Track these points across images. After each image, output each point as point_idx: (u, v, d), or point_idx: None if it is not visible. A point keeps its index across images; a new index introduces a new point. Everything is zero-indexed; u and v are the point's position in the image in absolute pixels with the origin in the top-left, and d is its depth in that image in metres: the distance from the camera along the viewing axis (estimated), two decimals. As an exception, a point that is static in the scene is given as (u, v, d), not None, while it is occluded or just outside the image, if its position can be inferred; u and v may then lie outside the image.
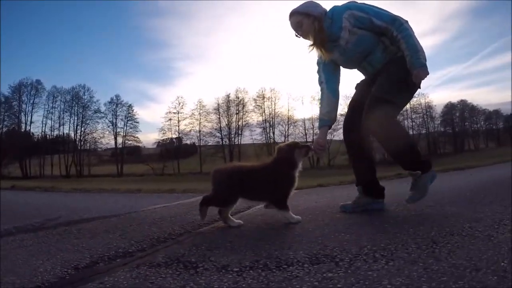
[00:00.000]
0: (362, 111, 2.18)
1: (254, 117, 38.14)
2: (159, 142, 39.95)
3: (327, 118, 2.27)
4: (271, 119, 37.68)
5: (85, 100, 37.72)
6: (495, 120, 48.51)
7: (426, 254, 1.31)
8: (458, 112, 45.46)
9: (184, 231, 2.05)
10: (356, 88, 2.41)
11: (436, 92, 66.00)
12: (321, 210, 2.39)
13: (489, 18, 62.16)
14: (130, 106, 38.58)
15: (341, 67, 2.34)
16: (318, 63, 2.33)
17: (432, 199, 2.37)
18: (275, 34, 67.69)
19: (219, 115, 37.82)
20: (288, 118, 37.74)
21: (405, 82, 2.06)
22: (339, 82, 2.33)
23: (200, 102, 38.44)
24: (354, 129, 2.26)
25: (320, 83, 2.32)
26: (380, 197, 2.29)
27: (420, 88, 2.13)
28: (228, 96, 38.19)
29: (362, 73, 2.36)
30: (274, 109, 37.97)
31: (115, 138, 37.89)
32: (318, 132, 2.32)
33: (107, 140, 38.05)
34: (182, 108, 38.53)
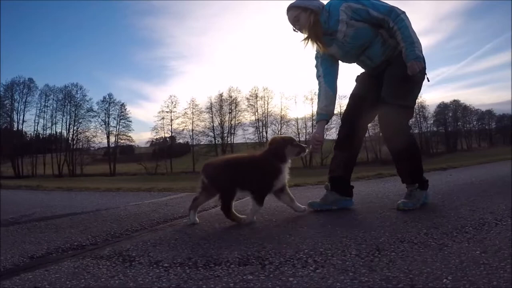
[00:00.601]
0: (363, 106, 2.23)
1: (247, 116, 38.56)
2: (152, 141, 40.02)
3: (324, 112, 2.24)
4: (264, 118, 38.11)
5: (78, 99, 37.93)
6: (488, 120, 49.21)
7: (362, 263, 1.25)
8: (451, 112, 45.99)
9: (140, 228, 2.16)
10: (356, 80, 2.39)
11: (429, 92, 66.60)
12: (281, 210, 2.33)
13: (483, 19, 62.92)
14: (123, 105, 38.81)
15: (339, 62, 2.32)
16: (316, 57, 2.32)
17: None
18: (269, 34, 68.12)
19: (211, 114, 38.04)
20: (281, 117, 38.23)
21: (412, 80, 2.04)
22: (337, 76, 2.30)
23: (193, 101, 38.77)
24: (350, 126, 2.26)
25: (318, 77, 2.29)
26: (348, 195, 2.29)
27: (428, 80, 2.13)
28: (221, 95, 38.50)
29: (361, 66, 2.34)
30: (267, 108, 38.44)
31: (108, 137, 38.05)
32: (316, 126, 2.31)
33: (100, 139, 38.14)
34: (175, 107, 38.78)
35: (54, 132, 38.16)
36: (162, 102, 52.55)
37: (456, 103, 45.77)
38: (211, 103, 38.38)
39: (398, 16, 1.99)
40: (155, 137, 39.72)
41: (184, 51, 70.21)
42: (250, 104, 38.67)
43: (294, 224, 1.97)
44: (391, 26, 2.00)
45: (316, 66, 2.32)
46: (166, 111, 38.70)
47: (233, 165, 2.04)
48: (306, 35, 2.16)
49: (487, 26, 65.30)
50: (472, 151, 40.34)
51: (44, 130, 37.92)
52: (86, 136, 37.98)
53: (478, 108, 47.71)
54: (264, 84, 49.99)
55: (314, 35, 2.14)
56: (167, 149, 38.67)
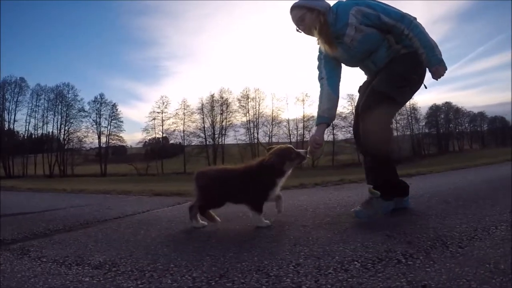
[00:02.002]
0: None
1: (238, 117, 38.67)
2: (145, 141, 40.04)
3: (326, 115, 2.18)
4: (255, 120, 38.22)
5: (69, 99, 37.80)
6: (480, 122, 49.71)
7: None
8: (443, 114, 46.40)
9: (62, 228, 2.34)
10: (359, 91, 2.36)
11: (421, 94, 67.18)
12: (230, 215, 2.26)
13: (475, 22, 63.56)
14: (114, 105, 38.73)
15: (342, 64, 2.28)
16: (319, 59, 2.26)
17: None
18: (261, 34, 68.46)
19: (203, 115, 38.23)
20: (272, 118, 38.33)
21: (406, 80, 2.02)
22: (340, 79, 2.24)
23: (184, 101, 38.85)
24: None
25: (321, 79, 2.23)
26: (405, 195, 2.20)
27: (426, 87, 2.10)
28: (212, 96, 38.64)
29: (364, 71, 2.31)
30: (258, 110, 38.57)
31: (99, 138, 37.95)
32: (315, 129, 2.22)
33: (91, 140, 38.10)
34: (166, 107, 38.85)
35: (46, 132, 38.10)
36: (154, 103, 52.48)
37: (448, 105, 46.25)
38: (202, 104, 38.62)
39: (411, 23, 1.95)
40: (147, 138, 39.75)
41: (177, 51, 70.44)
42: (241, 105, 38.95)
43: (228, 234, 2.05)
44: (406, 33, 1.96)
45: (319, 68, 2.26)
46: (157, 112, 38.86)
47: (225, 177, 2.03)
48: (317, 37, 2.12)
49: (479, 29, 66.04)
50: (463, 153, 40.68)
51: (35, 130, 37.85)
52: (77, 136, 37.96)
53: (470, 110, 48.21)
54: (256, 85, 50.06)
55: (325, 36, 2.08)
56: (159, 150, 38.68)
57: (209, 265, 1.37)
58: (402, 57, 2.05)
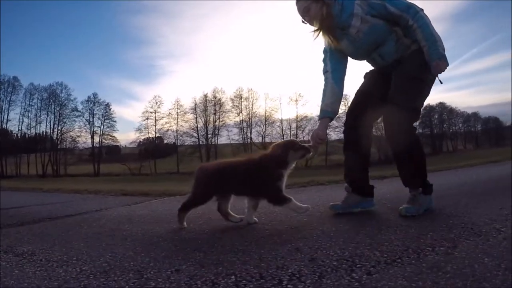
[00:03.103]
0: (369, 103, 2.12)
1: (231, 117, 38.75)
2: (139, 141, 40.09)
3: (330, 109, 2.11)
4: (248, 119, 38.33)
5: (62, 98, 37.72)
6: (474, 122, 50.15)
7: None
8: (437, 114, 46.74)
9: (14, 223, 2.51)
10: (364, 77, 2.29)
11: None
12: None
13: (470, 23, 64.03)
14: (107, 105, 38.70)
15: (348, 58, 2.22)
16: (324, 52, 2.20)
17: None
18: (257, 35, 68.70)
19: (196, 114, 38.30)
20: (265, 118, 38.44)
21: (423, 82, 1.97)
22: (345, 73, 2.18)
23: (177, 101, 38.87)
24: (356, 124, 2.15)
25: (325, 72, 2.18)
26: (369, 196, 2.20)
27: (441, 83, 2.03)
28: (205, 96, 38.68)
29: (371, 64, 2.24)
30: (251, 109, 38.67)
31: (92, 137, 37.90)
32: (318, 123, 2.16)
33: (84, 139, 38.08)
34: (159, 107, 38.88)
35: (39, 132, 38.06)
36: (147, 102, 52.41)
37: (442, 105, 46.56)
38: (195, 104, 38.66)
39: (417, 14, 1.89)
40: (142, 137, 39.77)
41: (173, 50, 70.54)
42: (234, 105, 39.02)
43: (193, 236, 2.11)
44: (410, 24, 1.90)
45: (324, 61, 2.21)
46: (151, 112, 38.87)
47: (223, 170, 1.98)
48: (317, 27, 2.06)
49: (474, 30, 66.63)
50: (457, 153, 41.02)
51: (28, 129, 37.80)
52: (70, 136, 37.93)
53: (464, 110, 48.56)
54: (249, 85, 50.13)
55: (326, 28, 2.04)
56: (152, 149, 38.74)
57: (93, 259, 1.52)
58: (412, 56, 1.98)
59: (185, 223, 2.04)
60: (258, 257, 1.41)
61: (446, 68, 1.87)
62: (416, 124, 2.11)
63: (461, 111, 48.02)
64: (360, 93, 2.23)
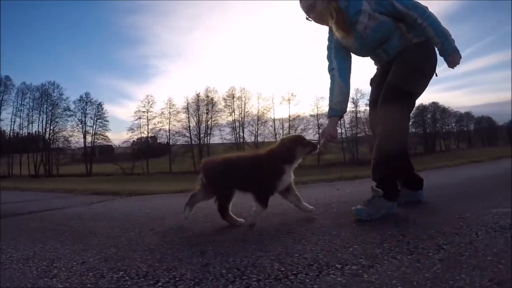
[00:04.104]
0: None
1: (223, 117, 38.62)
2: (133, 141, 39.98)
3: (338, 108, 2.11)
4: (241, 119, 38.27)
5: (55, 98, 37.43)
6: (466, 122, 50.48)
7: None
8: (430, 114, 47.02)
9: None
10: (371, 84, 2.32)
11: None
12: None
13: (464, 24, 64.56)
14: (99, 104, 38.48)
15: (352, 55, 2.21)
16: (329, 48, 2.19)
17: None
18: (248, 35, 68.79)
19: (188, 114, 38.23)
20: (258, 117, 38.44)
21: (421, 71, 2.00)
22: (351, 70, 2.17)
23: (170, 100, 38.77)
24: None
25: (331, 69, 2.15)
26: (418, 189, 2.24)
27: (437, 75, 2.07)
28: (198, 95, 38.55)
29: (375, 60, 2.27)
30: (244, 109, 38.61)
31: (84, 137, 37.71)
32: (327, 122, 2.13)
33: (77, 139, 37.87)
34: (151, 106, 38.74)
35: (31, 132, 37.83)
36: (139, 102, 52.21)
37: (435, 105, 46.79)
38: (187, 103, 38.49)
39: (425, 12, 1.93)
40: (135, 137, 39.62)
41: (167, 50, 70.26)
42: (227, 105, 38.84)
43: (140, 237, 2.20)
44: (419, 22, 1.93)
45: (329, 58, 2.19)
46: (143, 111, 38.70)
47: (233, 164, 1.95)
48: (334, 24, 2.05)
49: (467, 31, 67.08)
50: (450, 152, 41.31)
51: (20, 129, 37.55)
52: (63, 136, 37.70)
53: (457, 110, 48.77)
54: (242, 85, 50.09)
55: (341, 24, 2.02)
56: (145, 149, 38.68)
57: (18, 249, 1.68)
58: (414, 47, 2.01)
59: (241, 219, 1.95)
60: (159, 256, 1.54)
61: (460, 60, 1.95)
62: (411, 115, 2.12)
63: (454, 110, 48.27)
64: (373, 103, 2.24)
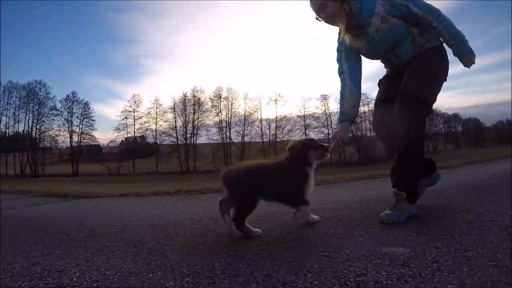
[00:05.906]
0: (389, 108, 2.06)
1: (210, 117, 38.62)
2: (122, 140, 39.82)
3: (350, 112, 2.09)
4: (227, 119, 38.25)
5: (41, 97, 37.22)
6: (454, 123, 51.07)
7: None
8: (418, 115, 47.38)
9: None
10: (379, 85, 2.30)
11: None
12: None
13: (457, 25, 65.21)
14: (86, 104, 38.36)
15: (362, 58, 2.18)
16: (339, 51, 2.15)
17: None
18: (237, 35, 68.86)
19: (175, 114, 38.23)
20: (244, 118, 38.48)
21: (436, 78, 1.99)
22: (361, 74, 2.14)
23: (156, 100, 38.80)
24: (388, 134, 2.13)
25: (341, 73, 2.12)
26: (434, 170, 2.27)
27: (446, 81, 2.05)
28: (184, 95, 38.59)
29: (385, 64, 2.24)
30: (231, 109, 38.63)
31: (71, 137, 37.53)
32: (339, 126, 2.13)
33: (63, 138, 37.68)
34: (138, 106, 38.71)
35: (18, 131, 37.43)
36: (126, 101, 51.86)
37: (423, 106, 47.15)
38: (174, 103, 38.48)
39: (439, 15, 1.92)
40: (122, 137, 39.43)
41: (156, 49, 69.69)
42: (214, 105, 38.84)
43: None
44: (435, 25, 1.93)
45: (339, 61, 2.15)
46: (129, 111, 38.62)
47: (256, 173, 1.87)
48: (343, 26, 2.02)
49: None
50: (437, 153, 41.81)
51: (6, 128, 37.17)
52: (49, 135, 37.46)
53: (445, 111, 49.19)
54: (229, 85, 50.10)
55: (351, 26, 1.99)
56: (133, 149, 38.56)
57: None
58: (427, 53, 2.00)
59: (257, 229, 1.85)
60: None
61: (475, 60, 1.97)
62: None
63: (442, 112, 48.75)
64: (378, 103, 2.24)
